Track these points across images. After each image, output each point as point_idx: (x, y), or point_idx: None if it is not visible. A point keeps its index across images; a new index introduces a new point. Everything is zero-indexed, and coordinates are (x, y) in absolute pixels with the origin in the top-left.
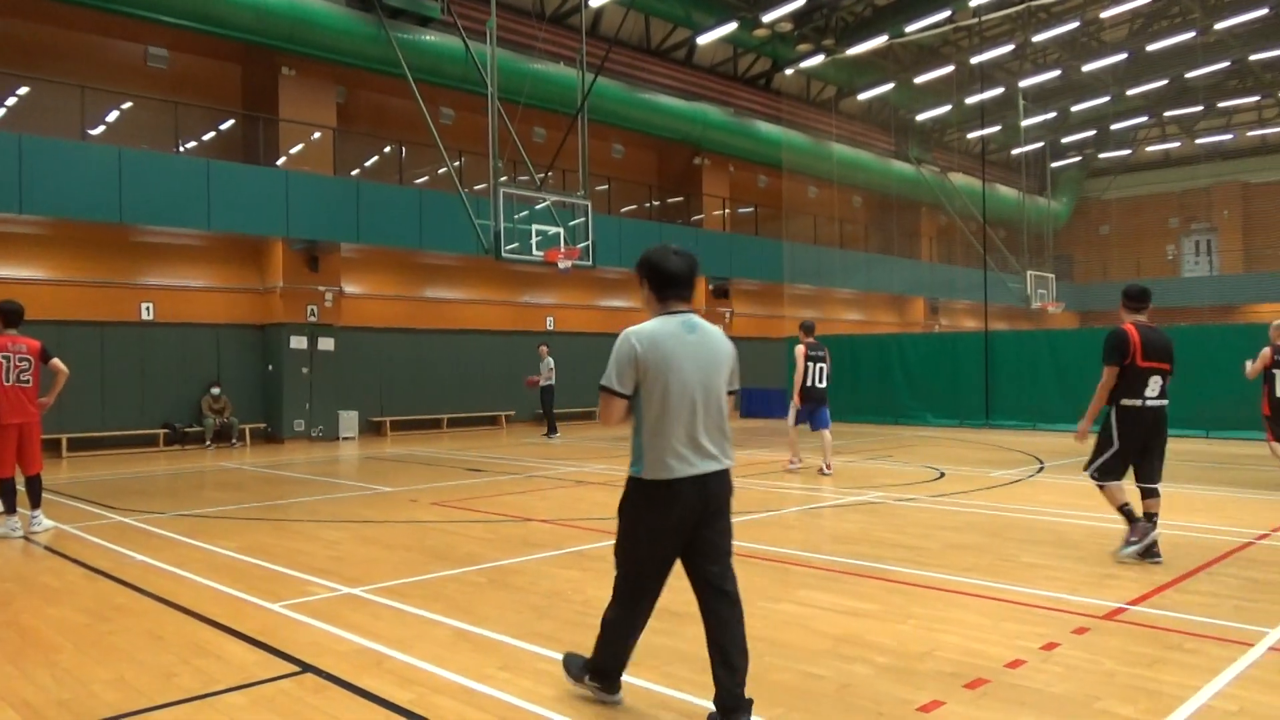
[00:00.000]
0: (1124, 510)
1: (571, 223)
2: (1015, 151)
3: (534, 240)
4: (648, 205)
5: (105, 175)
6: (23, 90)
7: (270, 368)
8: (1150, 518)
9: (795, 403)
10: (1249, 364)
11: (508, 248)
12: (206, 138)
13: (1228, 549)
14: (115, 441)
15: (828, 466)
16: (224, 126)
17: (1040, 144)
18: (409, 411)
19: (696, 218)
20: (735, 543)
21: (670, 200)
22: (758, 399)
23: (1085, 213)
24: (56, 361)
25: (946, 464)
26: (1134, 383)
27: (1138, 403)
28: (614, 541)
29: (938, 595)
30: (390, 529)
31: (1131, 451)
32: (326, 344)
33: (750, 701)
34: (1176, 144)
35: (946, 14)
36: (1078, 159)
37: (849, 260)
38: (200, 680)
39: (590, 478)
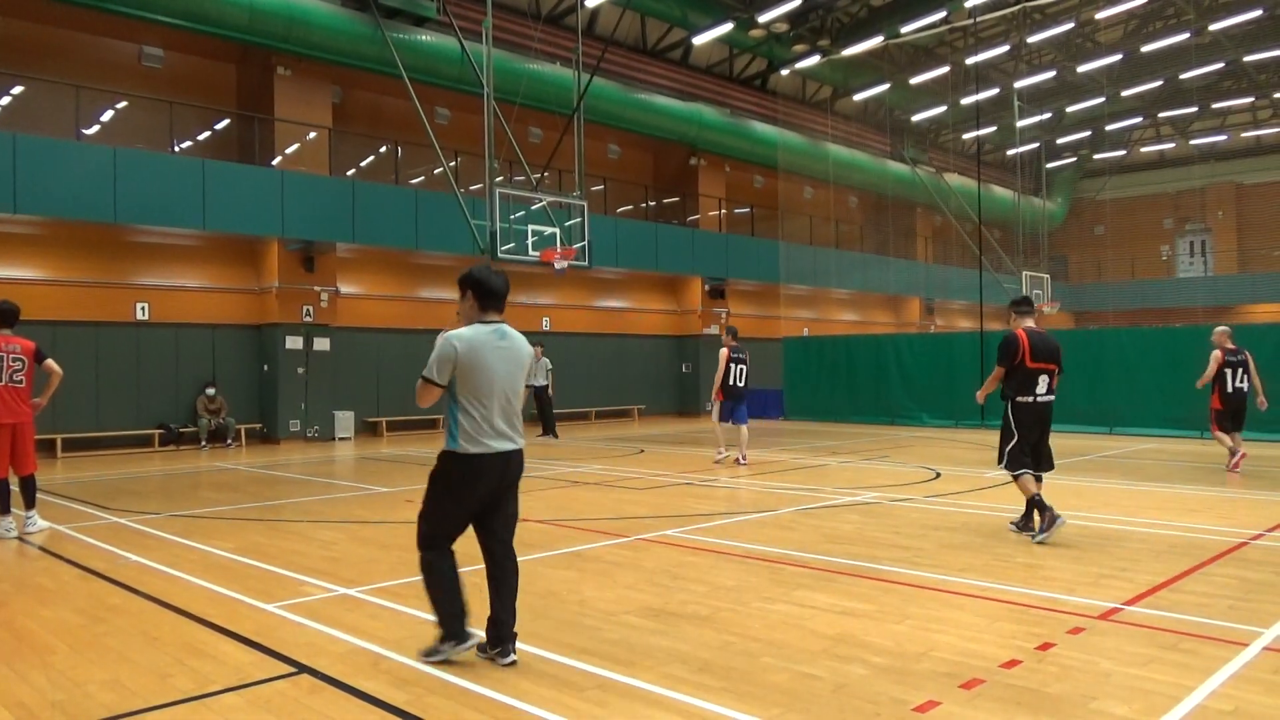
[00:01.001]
0: (1035, 500)
1: (567, 223)
2: (1010, 152)
3: (530, 240)
4: (644, 205)
5: (100, 175)
6: (17, 89)
7: (265, 368)
8: (1037, 499)
9: (717, 398)
10: (1211, 370)
11: (503, 248)
12: (202, 137)
13: (1222, 549)
14: (110, 442)
15: (743, 458)
16: (219, 126)
17: (1035, 145)
18: (405, 412)
19: (692, 218)
20: (731, 542)
21: (666, 200)
22: (753, 400)
23: (1080, 213)
24: (50, 362)
25: (942, 464)
26: (1026, 381)
27: (1029, 399)
28: (421, 507)
29: (933, 595)
30: (386, 529)
31: (1031, 440)
32: (322, 344)
33: (515, 634)
34: (1171, 145)
35: (942, 15)
36: (1073, 160)
37: (845, 260)
38: (195, 681)
39: (585, 478)
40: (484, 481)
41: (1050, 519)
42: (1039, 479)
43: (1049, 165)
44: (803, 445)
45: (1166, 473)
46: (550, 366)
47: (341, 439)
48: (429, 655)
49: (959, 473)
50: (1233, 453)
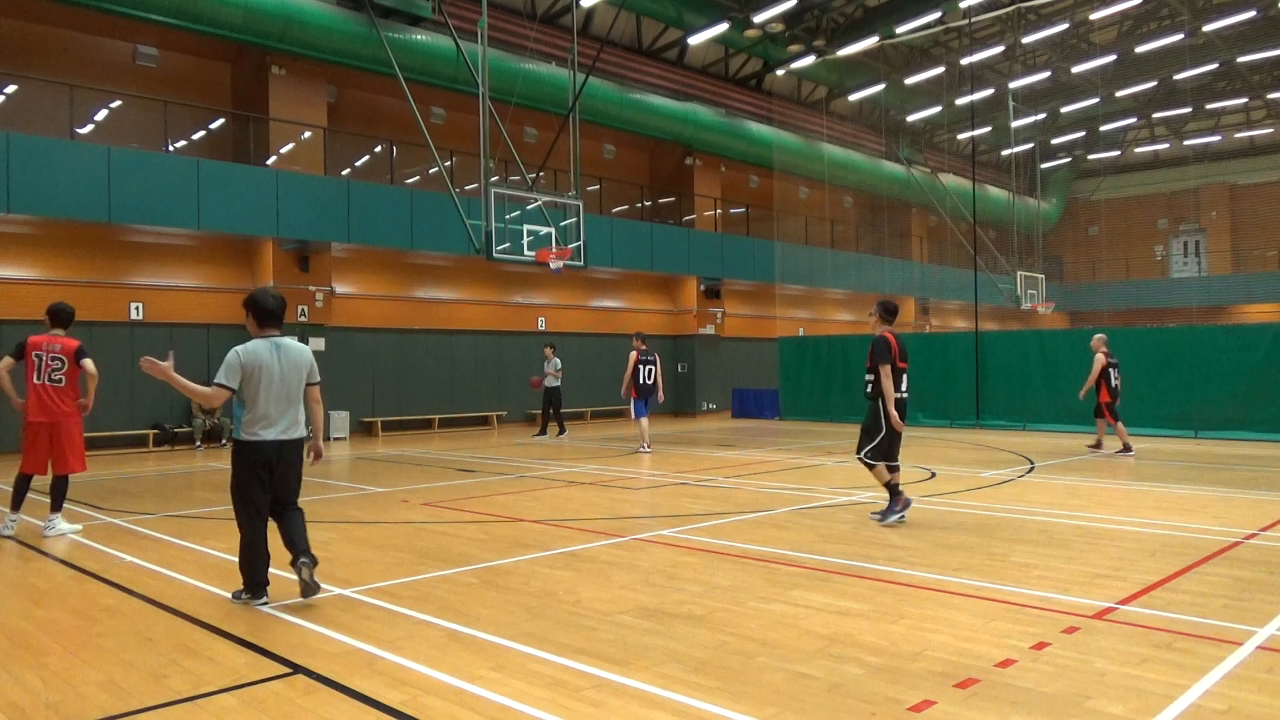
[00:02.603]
0: (890, 486)
1: (563, 223)
2: (1005, 152)
3: (525, 240)
4: (639, 205)
5: (94, 174)
6: (10, 88)
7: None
8: (896, 486)
9: (632, 395)
10: (1095, 373)
11: (499, 248)
12: (196, 137)
13: (1216, 548)
14: (105, 442)
15: (647, 446)
16: (214, 125)
17: (1030, 145)
18: (400, 412)
19: (688, 218)
20: (727, 542)
21: (662, 200)
22: (750, 399)
23: (1074, 214)
24: (87, 362)
25: (937, 464)
26: (895, 380)
27: (900, 395)
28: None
29: (928, 595)
30: (381, 530)
31: (897, 434)
32: (317, 344)
33: (314, 557)
34: (1165, 145)
35: (937, 15)
36: (1067, 160)
37: (840, 260)
38: (190, 682)
39: (580, 478)
40: (262, 462)
41: (903, 503)
42: (893, 469)
43: (1044, 165)
44: (798, 445)
45: (1161, 472)
46: (560, 366)
47: (337, 439)
48: (234, 597)
49: (954, 472)
50: (1127, 446)
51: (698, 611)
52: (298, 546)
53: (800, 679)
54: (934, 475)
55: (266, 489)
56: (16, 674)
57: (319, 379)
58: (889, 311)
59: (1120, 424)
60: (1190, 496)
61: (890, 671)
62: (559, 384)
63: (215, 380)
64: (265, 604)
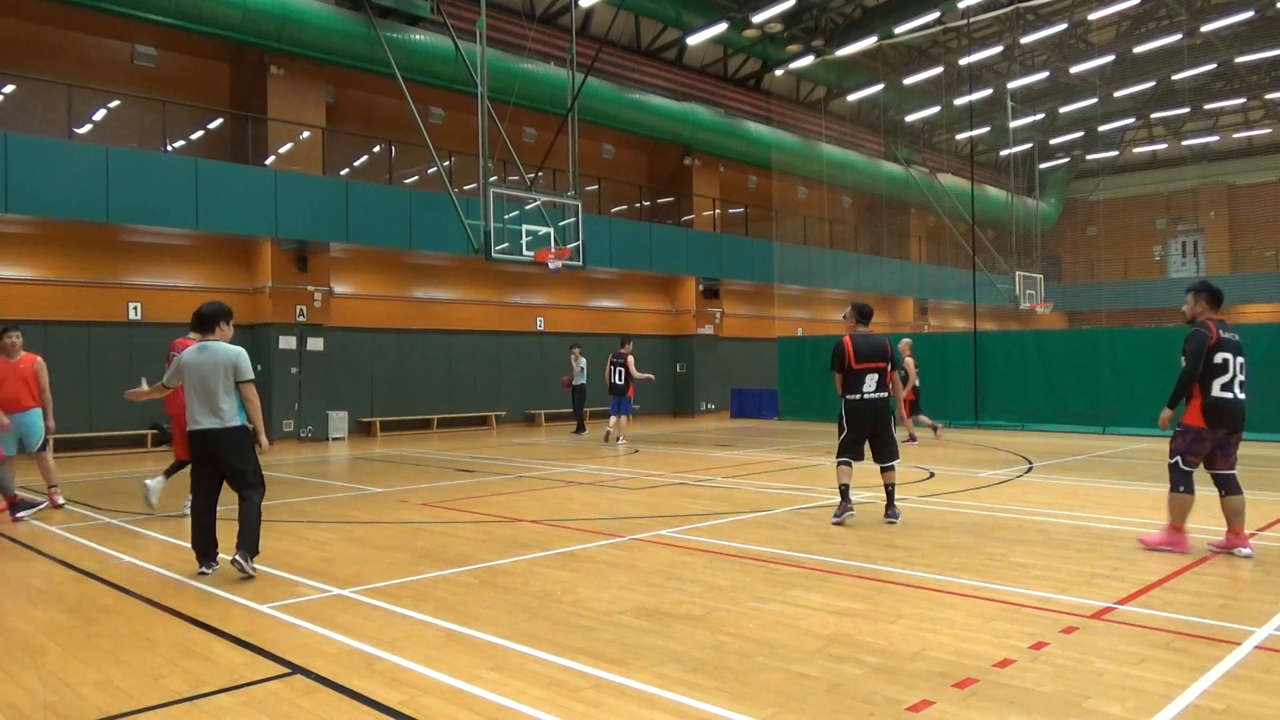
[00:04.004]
0: (842, 488)
1: (562, 223)
2: (1003, 153)
3: (524, 240)
4: (638, 205)
5: (92, 174)
6: (9, 88)
7: (259, 368)
8: (888, 488)
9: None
10: (914, 375)
11: (498, 248)
12: (194, 137)
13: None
14: (102, 442)
15: (618, 439)
16: (212, 125)
17: (1028, 145)
18: (399, 412)
19: (687, 218)
20: (725, 542)
21: (660, 200)
22: (748, 399)
23: (1073, 214)
24: None
25: (935, 464)
26: (852, 382)
27: (857, 396)
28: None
29: (927, 595)
30: (380, 530)
31: (861, 436)
32: (316, 344)
33: (251, 551)
34: (1163, 145)
35: (935, 15)
36: (1066, 160)
37: (839, 260)
38: (189, 682)
39: (579, 478)
40: (198, 448)
41: (844, 509)
42: (851, 467)
43: (1042, 166)
44: (797, 445)
45: (1159, 472)
46: (584, 365)
47: (335, 439)
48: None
49: (953, 472)
50: (934, 428)
51: (696, 611)
52: (240, 536)
53: (799, 679)
54: (932, 475)
55: (206, 472)
56: (14, 674)
57: (248, 377)
58: (859, 313)
59: (922, 417)
60: None
61: (889, 671)
62: (584, 383)
63: (160, 381)
64: (203, 574)
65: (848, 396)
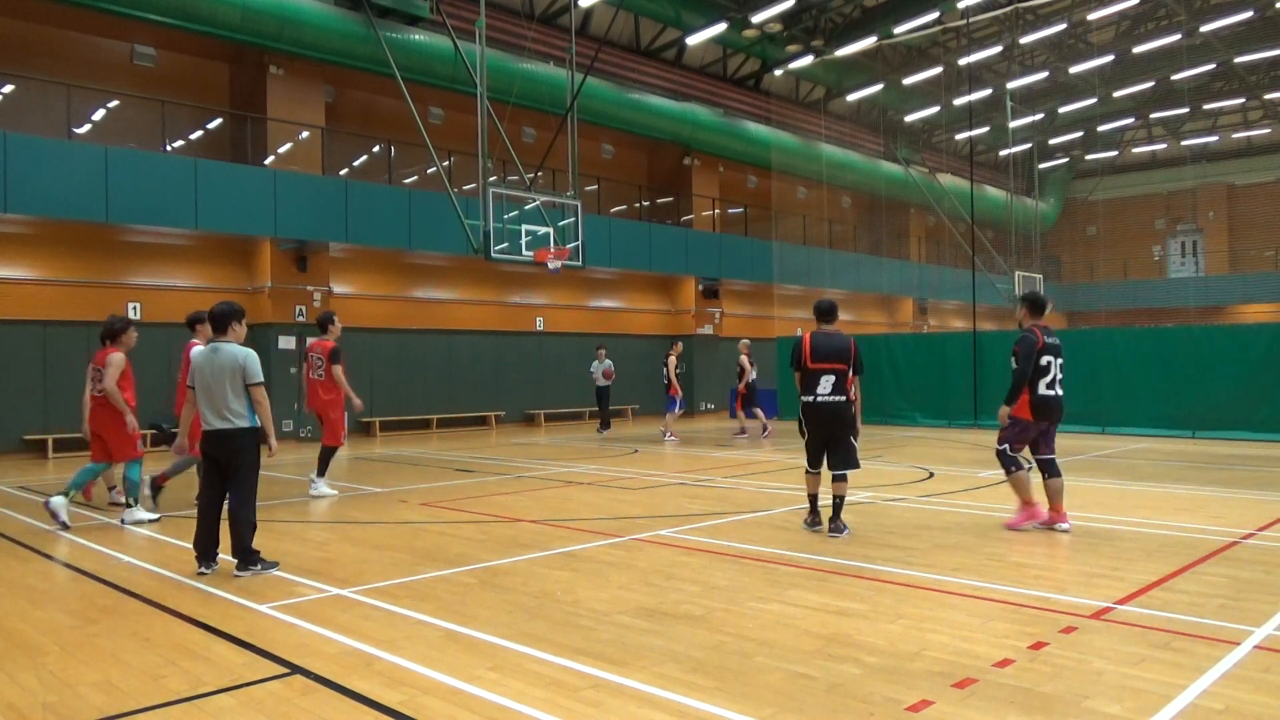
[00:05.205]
0: (811, 497)
1: (561, 223)
2: (1003, 153)
3: (523, 240)
4: (637, 205)
5: (91, 174)
6: (8, 88)
7: None
8: (836, 499)
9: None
10: (750, 370)
11: (497, 248)
12: (194, 137)
13: (1214, 548)
14: None
15: (665, 434)
16: (211, 125)
17: (1028, 145)
18: (398, 412)
19: (686, 218)
20: (725, 542)
21: (660, 200)
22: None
23: (1072, 214)
24: (336, 369)
25: (935, 464)
26: (808, 382)
27: (811, 398)
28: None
29: (927, 595)
30: (379, 530)
31: (818, 440)
32: None
33: (242, 550)
34: (1163, 145)
35: (935, 15)
36: (1065, 160)
37: (838, 260)
38: (188, 682)
39: (579, 478)
40: (207, 448)
41: (812, 520)
42: (817, 475)
43: (1041, 166)
44: (796, 445)
45: (1158, 472)
46: (610, 365)
47: None
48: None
49: (952, 472)
50: (764, 426)
51: (696, 611)
52: (232, 551)
53: (798, 679)
54: (932, 475)
55: (216, 473)
56: (14, 674)
57: (257, 380)
58: (818, 310)
59: (758, 410)
60: (1188, 496)
61: (888, 671)
62: (609, 384)
63: (187, 381)
64: (203, 574)
65: (803, 398)
